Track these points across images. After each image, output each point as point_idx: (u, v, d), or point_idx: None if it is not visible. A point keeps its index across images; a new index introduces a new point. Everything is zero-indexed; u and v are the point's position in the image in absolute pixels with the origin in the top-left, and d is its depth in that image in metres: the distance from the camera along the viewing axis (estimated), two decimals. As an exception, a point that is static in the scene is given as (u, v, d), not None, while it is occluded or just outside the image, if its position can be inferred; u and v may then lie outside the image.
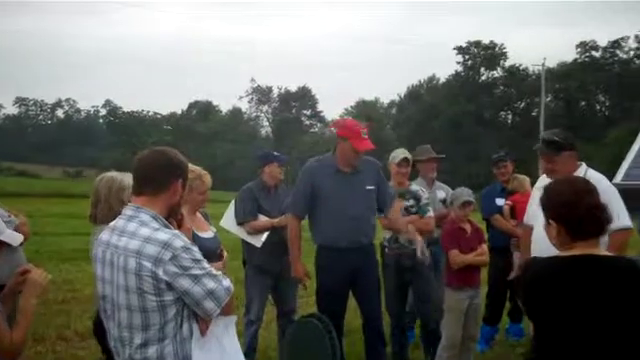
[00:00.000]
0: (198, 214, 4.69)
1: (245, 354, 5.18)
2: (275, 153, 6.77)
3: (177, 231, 2.82)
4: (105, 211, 4.24)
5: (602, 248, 2.92)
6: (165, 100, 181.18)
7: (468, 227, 5.90)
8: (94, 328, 4.37)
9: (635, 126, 41.99)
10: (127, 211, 2.86)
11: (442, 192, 6.77)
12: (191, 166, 4.59)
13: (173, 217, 2.94)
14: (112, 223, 2.91)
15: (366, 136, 5.37)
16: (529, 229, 4.99)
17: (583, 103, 63.16)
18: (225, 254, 4.46)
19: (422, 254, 5.78)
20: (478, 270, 5.95)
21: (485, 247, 5.97)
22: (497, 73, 67.85)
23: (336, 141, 5.55)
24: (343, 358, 5.46)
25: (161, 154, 2.93)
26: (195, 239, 4.33)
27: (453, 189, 6.53)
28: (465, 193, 5.92)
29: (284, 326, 6.62)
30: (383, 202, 5.69)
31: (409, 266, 6.09)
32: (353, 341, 6.49)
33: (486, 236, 7.47)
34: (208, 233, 4.56)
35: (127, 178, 4.27)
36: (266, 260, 6.33)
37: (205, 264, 2.78)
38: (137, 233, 2.73)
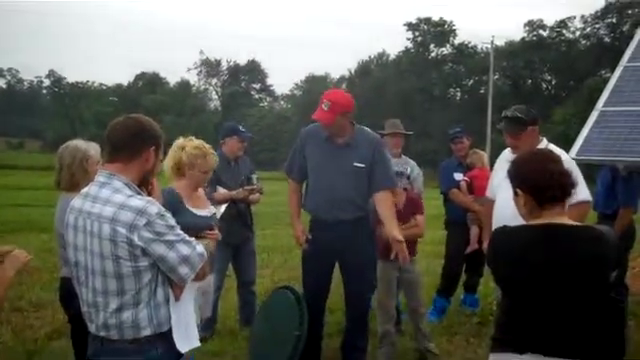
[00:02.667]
0: (200, 191, 4.64)
1: (205, 323, 5.22)
2: (240, 128, 6.75)
3: (151, 198, 2.83)
4: (67, 178, 4.23)
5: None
6: (111, 71, 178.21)
7: (401, 198, 5.79)
8: (60, 296, 4.30)
9: (580, 105, 42.98)
10: (100, 177, 2.84)
11: (407, 168, 6.77)
12: (198, 142, 4.54)
13: (145, 185, 2.94)
14: (84, 190, 2.89)
15: (326, 108, 5.02)
16: (490, 203, 5.06)
17: (530, 82, 64.18)
18: (216, 232, 4.34)
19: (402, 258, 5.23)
20: (411, 243, 5.64)
21: (420, 218, 5.86)
22: (446, 50, 68.44)
23: None
24: (319, 329, 5.43)
25: (135, 121, 2.91)
26: (189, 216, 4.28)
27: None
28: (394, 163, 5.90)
29: (244, 296, 6.67)
30: (374, 183, 5.20)
31: None
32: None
33: (443, 210, 7.60)
34: (204, 211, 4.51)
35: (92, 148, 4.29)
36: (225, 232, 6.30)
37: (179, 230, 2.80)
38: (111, 200, 2.73)
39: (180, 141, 4.53)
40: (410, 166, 6.72)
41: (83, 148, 4.28)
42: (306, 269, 5.43)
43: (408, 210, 5.82)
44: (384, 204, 5.21)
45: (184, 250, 2.76)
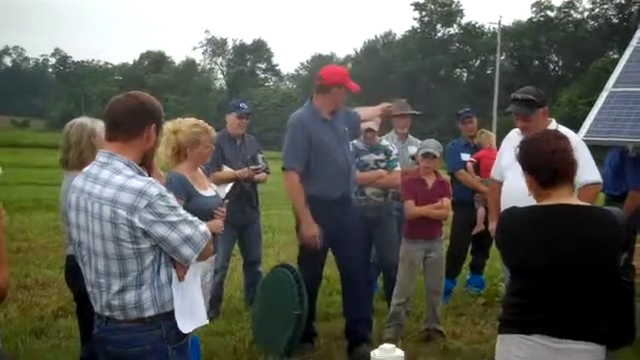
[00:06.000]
0: (199, 170, 4.59)
1: (210, 303, 5.22)
2: (241, 104, 6.68)
3: (152, 178, 2.76)
4: (76, 156, 4.15)
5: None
6: (117, 50, 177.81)
7: (431, 179, 5.81)
8: (65, 274, 4.29)
9: (587, 86, 42.73)
10: (100, 157, 2.78)
11: (414, 148, 6.71)
12: (193, 120, 4.50)
13: (146, 164, 2.86)
14: (85, 169, 2.83)
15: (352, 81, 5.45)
16: (497, 183, 5.03)
17: (537, 62, 63.86)
18: (224, 210, 4.37)
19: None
20: (437, 223, 5.84)
21: (447, 201, 5.85)
22: (453, 30, 68.14)
23: (320, 90, 5.34)
24: (313, 309, 5.49)
25: (134, 98, 2.83)
26: (196, 196, 4.27)
27: None
28: (427, 144, 5.84)
29: (249, 276, 6.67)
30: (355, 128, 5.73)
31: (373, 218, 6.10)
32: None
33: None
34: (209, 191, 4.49)
35: (98, 125, 4.20)
36: (229, 211, 6.26)
37: (181, 210, 2.75)
38: (111, 181, 2.67)
39: (169, 125, 4.40)
40: (416, 146, 6.65)
41: (90, 125, 4.21)
42: (305, 251, 5.38)
43: (436, 192, 5.79)
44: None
45: (186, 230, 2.71)
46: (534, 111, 4.67)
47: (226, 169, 6.31)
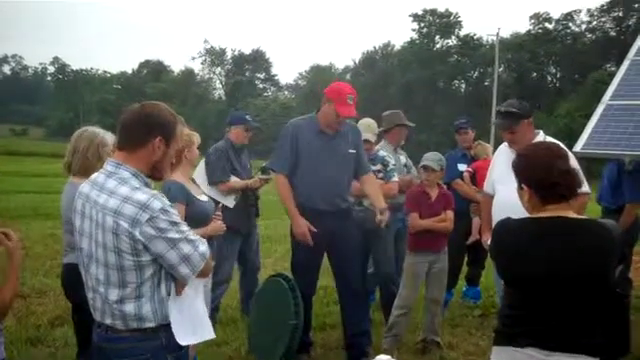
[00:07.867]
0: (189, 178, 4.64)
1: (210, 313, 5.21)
2: (247, 117, 6.78)
3: (156, 192, 2.74)
4: (80, 162, 4.15)
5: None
6: (115, 59, 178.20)
7: (434, 192, 5.81)
8: (64, 283, 4.28)
9: (584, 98, 42.85)
10: (108, 166, 2.78)
11: (403, 157, 6.83)
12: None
13: (155, 176, 2.83)
14: (92, 176, 2.82)
15: (352, 102, 5.24)
16: (488, 197, 5.04)
17: (535, 74, 64.02)
18: (220, 214, 4.42)
19: (379, 221, 5.45)
20: (441, 236, 5.84)
21: (451, 214, 5.84)
22: (452, 42, 68.35)
23: (322, 101, 5.36)
24: (309, 319, 5.52)
25: (144, 109, 2.81)
26: (194, 202, 4.29)
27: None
28: (427, 157, 5.83)
29: (249, 284, 6.66)
30: (362, 167, 5.55)
31: (371, 229, 6.11)
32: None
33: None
34: (203, 197, 4.52)
35: (109, 136, 4.25)
36: (237, 221, 6.27)
37: (183, 227, 2.72)
38: (116, 191, 2.66)
39: None
40: (404, 156, 6.79)
41: (100, 135, 4.24)
42: (296, 257, 5.43)
43: (440, 205, 5.80)
44: (374, 184, 5.68)
45: (185, 249, 2.68)
46: (518, 122, 4.72)
47: (234, 179, 6.39)
